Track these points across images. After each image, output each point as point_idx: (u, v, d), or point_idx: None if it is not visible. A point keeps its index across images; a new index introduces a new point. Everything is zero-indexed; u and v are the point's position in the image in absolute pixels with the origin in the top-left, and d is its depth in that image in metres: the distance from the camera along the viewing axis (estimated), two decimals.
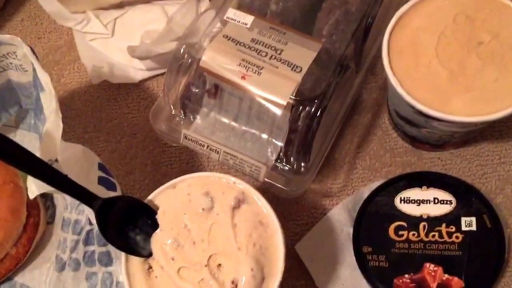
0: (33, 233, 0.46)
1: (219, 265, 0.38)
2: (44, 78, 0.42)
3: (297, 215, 0.48)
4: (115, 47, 0.55)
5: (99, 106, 0.54)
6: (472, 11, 0.42)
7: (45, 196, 0.49)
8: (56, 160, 0.38)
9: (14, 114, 0.52)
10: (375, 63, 0.52)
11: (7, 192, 0.45)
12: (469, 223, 0.43)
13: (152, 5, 0.56)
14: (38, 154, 0.36)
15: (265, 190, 0.43)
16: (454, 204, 0.44)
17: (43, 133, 0.39)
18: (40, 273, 0.47)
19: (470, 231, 0.43)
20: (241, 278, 0.37)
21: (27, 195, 0.45)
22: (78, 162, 0.41)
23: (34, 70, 0.44)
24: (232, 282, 0.37)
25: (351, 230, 0.45)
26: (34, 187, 0.37)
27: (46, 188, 0.37)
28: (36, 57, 0.43)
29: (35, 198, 0.46)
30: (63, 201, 0.48)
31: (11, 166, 0.36)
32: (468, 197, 0.44)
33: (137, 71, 0.54)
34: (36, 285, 0.47)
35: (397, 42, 0.43)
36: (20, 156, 0.35)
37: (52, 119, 0.39)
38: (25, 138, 0.52)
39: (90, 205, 0.38)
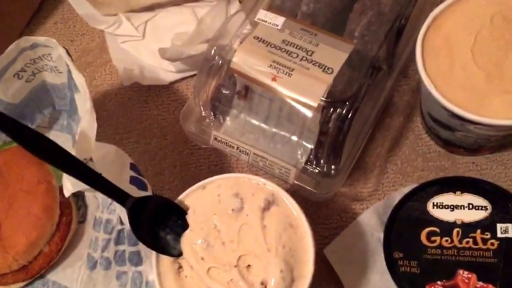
0: (66, 232, 0.47)
1: (249, 266, 0.38)
2: (79, 79, 0.43)
3: (327, 219, 0.48)
4: (146, 49, 0.56)
5: (130, 107, 0.55)
6: (510, 12, 0.41)
7: (77, 196, 0.50)
8: (91, 159, 0.39)
9: (48, 115, 0.53)
10: (407, 65, 0.51)
11: (41, 191, 0.46)
12: (505, 229, 0.42)
13: (182, 8, 0.57)
14: (73, 153, 0.37)
15: (295, 193, 0.43)
16: (489, 210, 0.43)
17: (78, 133, 0.40)
18: (72, 271, 0.48)
19: (506, 238, 0.42)
20: (271, 279, 0.36)
21: (60, 194, 0.47)
22: (111, 161, 0.41)
23: (68, 71, 0.45)
24: (262, 283, 0.37)
25: (381, 235, 0.44)
26: (70, 185, 0.38)
27: (81, 186, 0.37)
28: (71, 58, 0.44)
29: (68, 197, 0.47)
30: (95, 201, 0.49)
31: (49, 164, 0.37)
32: (504, 203, 0.43)
33: (167, 73, 0.55)
34: (68, 283, 0.47)
35: (432, 43, 0.42)
36: (58, 155, 0.36)
37: (86, 119, 0.40)
38: (57, 139, 0.51)
39: (122, 203, 0.38)
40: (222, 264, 0.38)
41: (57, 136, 0.53)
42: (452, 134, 0.45)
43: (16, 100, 0.50)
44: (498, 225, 0.42)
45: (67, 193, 0.38)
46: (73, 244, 0.49)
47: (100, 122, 0.53)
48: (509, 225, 0.42)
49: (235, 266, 0.37)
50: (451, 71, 0.41)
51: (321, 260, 0.45)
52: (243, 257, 0.38)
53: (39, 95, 0.51)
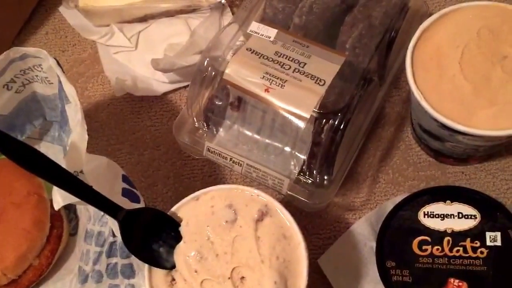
0: (56, 245, 0.46)
1: (242, 277, 0.38)
2: (69, 90, 0.42)
3: (320, 229, 0.48)
4: (139, 60, 0.56)
5: (123, 118, 0.55)
6: (496, 25, 0.42)
7: (68, 208, 0.50)
8: (81, 172, 0.39)
9: (39, 126, 0.53)
10: (398, 76, 0.52)
11: (31, 204, 0.46)
12: (494, 238, 0.43)
13: (175, 19, 0.57)
14: (63, 166, 0.37)
15: (288, 203, 0.43)
16: (478, 219, 0.43)
17: (69, 145, 0.40)
18: (62, 284, 0.47)
19: (495, 246, 0.42)
20: None
21: (51, 207, 0.46)
22: (103, 174, 0.41)
23: (59, 82, 0.45)
24: None
25: (374, 244, 0.44)
26: (60, 198, 0.38)
27: (71, 199, 0.37)
28: (62, 69, 0.44)
29: (59, 209, 0.46)
30: (86, 213, 0.48)
31: (38, 176, 0.36)
32: (492, 212, 0.44)
33: (160, 84, 0.55)
34: None
35: (421, 55, 0.43)
36: (47, 167, 0.36)
37: (77, 131, 0.40)
38: (49, 150, 0.52)
39: (114, 216, 0.38)
40: (215, 276, 0.37)
41: (48, 148, 0.52)
42: (441, 144, 0.45)
43: (5, 111, 0.49)
44: (487, 234, 0.43)
45: (57, 206, 0.38)
46: (64, 257, 0.48)
47: (92, 133, 0.53)
48: (497, 233, 0.43)
49: (229, 278, 0.37)
50: (440, 82, 0.41)
51: (315, 271, 0.45)
52: (237, 269, 0.38)
53: (30, 106, 0.50)
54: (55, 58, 0.44)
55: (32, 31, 0.61)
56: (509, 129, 0.39)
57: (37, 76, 0.47)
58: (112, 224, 0.43)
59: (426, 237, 0.43)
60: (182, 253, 0.39)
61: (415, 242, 0.43)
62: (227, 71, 0.43)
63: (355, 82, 0.43)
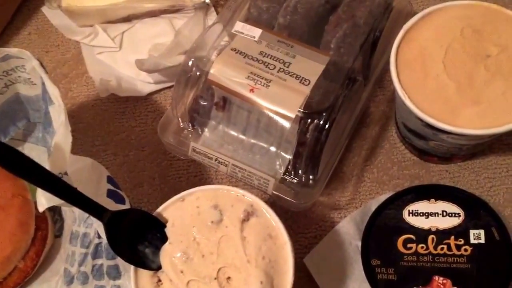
0: (41, 247, 0.46)
1: (229, 278, 0.38)
2: (53, 91, 0.42)
3: (306, 228, 0.48)
4: (123, 61, 0.56)
5: (107, 119, 0.54)
6: (479, 24, 0.43)
7: (53, 210, 0.49)
8: (66, 173, 0.38)
9: (22, 127, 0.52)
10: (383, 75, 0.52)
11: (15, 206, 0.45)
12: (477, 235, 0.43)
13: (159, 19, 0.57)
14: (47, 167, 0.36)
15: (274, 203, 0.43)
16: (462, 217, 0.44)
17: (53, 146, 0.40)
18: (48, 286, 0.47)
19: (478, 243, 0.43)
20: None
21: (36, 209, 0.46)
22: (87, 175, 0.41)
23: (42, 83, 0.44)
24: None
25: (359, 243, 0.44)
26: (44, 200, 0.37)
27: (55, 201, 0.37)
28: (45, 70, 0.44)
29: (44, 211, 0.46)
30: (72, 215, 0.48)
31: (21, 179, 0.36)
32: (476, 209, 0.44)
33: (144, 84, 0.55)
34: None
35: (405, 55, 0.43)
36: (31, 169, 0.36)
37: (61, 132, 0.40)
38: (32, 152, 0.52)
39: (99, 218, 0.38)
40: (202, 276, 0.38)
41: (32, 149, 0.52)
42: (426, 143, 0.46)
43: None
44: (471, 232, 0.43)
45: (41, 208, 0.37)
46: (49, 259, 0.48)
47: (76, 134, 0.53)
48: (481, 231, 0.43)
49: (215, 279, 0.37)
50: (424, 82, 0.42)
51: (300, 270, 0.45)
52: (223, 269, 0.38)
53: (13, 108, 0.50)
54: (38, 59, 0.44)
55: (15, 31, 0.60)
56: (492, 127, 0.40)
57: (20, 77, 0.47)
58: (97, 226, 0.43)
59: (411, 236, 0.44)
60: (168, 254, 0.39)
61: (400, 240, 0.44)
62: (211, 71, 0.43)
63: (339, 82, 0.43)
